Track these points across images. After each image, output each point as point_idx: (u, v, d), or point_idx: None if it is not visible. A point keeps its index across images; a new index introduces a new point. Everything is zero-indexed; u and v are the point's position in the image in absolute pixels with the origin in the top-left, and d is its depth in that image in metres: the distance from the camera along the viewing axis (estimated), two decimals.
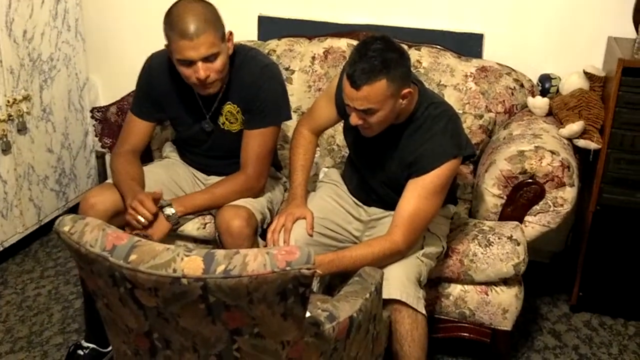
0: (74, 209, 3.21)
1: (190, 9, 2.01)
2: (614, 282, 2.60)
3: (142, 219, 2.05)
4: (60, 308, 2.66)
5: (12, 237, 2.90)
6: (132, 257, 1.39)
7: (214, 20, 2.03)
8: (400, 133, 1.99)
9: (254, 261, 1.35)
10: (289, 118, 2.28)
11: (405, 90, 1.87)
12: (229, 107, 2.22)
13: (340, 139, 2.77)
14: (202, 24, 1.98)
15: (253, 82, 2.17)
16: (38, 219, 3.02)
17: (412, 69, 2.02)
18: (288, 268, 1.34)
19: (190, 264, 1.36)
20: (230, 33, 2.11)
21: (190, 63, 2.02)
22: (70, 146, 3.17)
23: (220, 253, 1.38)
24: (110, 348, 2.31)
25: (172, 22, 2.01)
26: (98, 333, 2.30)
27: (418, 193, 1.93)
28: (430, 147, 1.93)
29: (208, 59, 2.02)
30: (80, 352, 2.27)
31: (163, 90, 2.25)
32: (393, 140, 2.01)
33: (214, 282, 1.35)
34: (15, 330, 2.53)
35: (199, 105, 2.23)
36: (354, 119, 1.91)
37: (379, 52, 1.81)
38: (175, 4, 2.06)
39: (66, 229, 1.47)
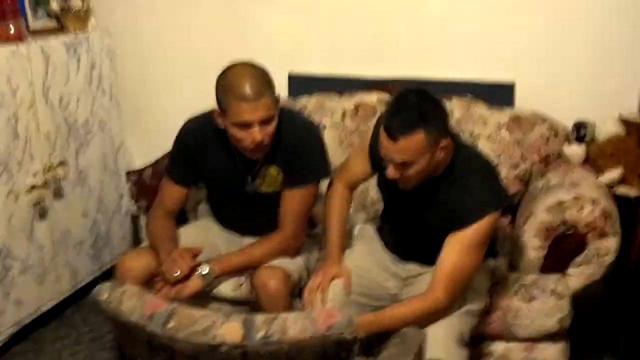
0: (109, 273, 3.20)
1: (248, 72, 2.05)
2: None
3: (178, 272, 2.03)
4: None
5: (48, 303, 2.90)
6: (171, 324, 1.38)
7: (269, 83, 2.07)
8: (438, 186, 1.97)
9: (294, 326, 1.33)
10: (328, 176, 2.28)
11: (443, 143, 1.86)
12: (268, 169, 2.23)
13: (374, 193, 2.74)
14: (261, 87, 2.02)
15: (294, 142, 2.18)
16: (73, 284, 3.02)
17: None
18: (329, 333, 1.31)
19: (229, 330, 1.34)
20: (279, 96, 2.13)
21: (246, 126, 2.03)
22: (106, 210, 3.19)
23: (259, 318, 1.36)
24: None
25: (229, 84, 2.03)
26: None
27: (459, 248, 1.89)
28: (470, 200, 1.90)
29: (265, 121, 2.04)
30: None
31: (200, 155, 2.26)
32: (430, 193, 1.98)
33: (254, 349, 1.33)
34: None
35: (241, 169, 2.23)
36: (391, 172, 1.89)
37: (416, 104, 1.82)
38: (230, 68, 2.08)
39: (104, 297, 1.47)
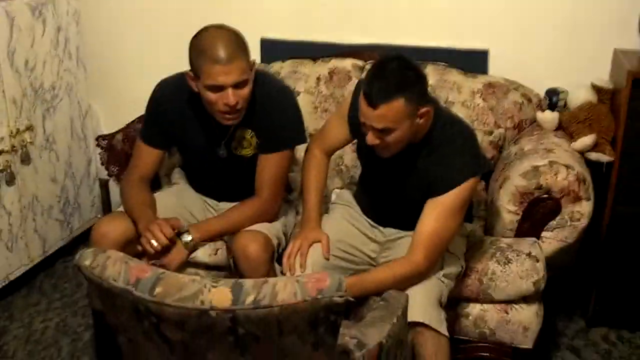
0: (78, 239, 3.16)
1: (221, 35, 2.00)
2: (631, 295, 2.58)
3: (156, 244, 2.02)
4: (69, 341, 2.60)
5: (18, 270, 2.84)
6: (158, 290, 1.35)
7: (243, 46, 2.03)
8: (417, 153, 1.97)
9: (284, 290, 1.32)
10: (304, 141, 2.26)
11: (423, 109, 1.86)
12: (243, 133, 2.20)
13: (349, 159, 2.75)
14: (235, 50, 1.98)
15: (268, 106, 2.15)
16: (43, 251, 2.97)
17: None
18: (319, 296, 1.31)
19: (218, 295, 1.33)
20: (254, 61, 2.09)
21: (220, 89, 2.00)
22: (74, 175, 3.13)
23: (248, 283, 1.35)
24: None
25: (202, 47, 1.99)
26: None
27: (438, 213, 1.91)
28: (449, 166, 1.91)
29: (238, 85, 2.00)
30: None
31: (174, 118, 2.23)
32: (409, 160, 1.98)
33: (244, 314, 1.32)
34: None
35: (214, 132, 2.20)
36: (371, 139, 1.89)
37: (397, 71, 1.80)
38: (203, 30, 2.04)
39: (87, 262, 1.44)
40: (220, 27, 2.05)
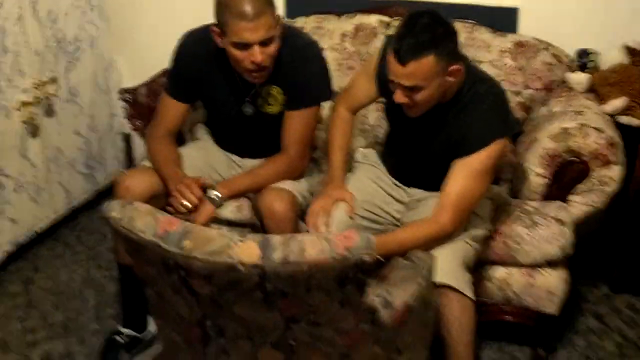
0: (102, 193, 3.18)
1: None
2: None
3: (188, 204, 2.02)
4: (94, 293, 2.64)
5: (43, 222, 2.87)
6: (186, 243, 1.35)
7: (270, 3, 1.98)
8: (446, 112, 1.93)
9: (312, 247, 1.31)
10: (331, 98, 2.23)
11: (453, 67, 1.81)
12: (270, 89, 2.17)
13: (373, 118, 2.72)
14: (262, 6, 1.93)
15: (295, 61, 2.12)
16: (68, 203, 2.99)
17: None
18: (348, 254, 1.31)
19: (246, 250, 1.32)
20: (280, 17, 2.05)
21: (246, 46, 1.96)
22: (97, 128, 3.13)
23: (276, 239, 1.34)
24: (147, 332, 2.29)
25: (228, 2, 1.95)
26: (135, 318, 2.28)
27: (466, 174, 1.88)
28: (478, 126, 1.87)
29: (264, 42, 1.97)
30: (119, 338, 2.25)
31: (200, 72, 2.20)
32: (438, 119, 1.95)
33: (272, 269, 1.31)
34: (50, 317, 2.51)
35: (239, 88, 2.18)
36: (399, 97, 1.85)
37: (427, 27, 1.76)
38: None
39: (115, 214, 1.44)
40: None
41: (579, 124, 2.19)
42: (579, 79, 2.53)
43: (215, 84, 2.21)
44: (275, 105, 2.20)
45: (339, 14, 2.86)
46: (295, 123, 2.16)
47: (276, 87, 2.17)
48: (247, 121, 2.25)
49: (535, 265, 2.14)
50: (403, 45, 1.77)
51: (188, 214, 2.04)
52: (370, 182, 2.20)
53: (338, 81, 2.73)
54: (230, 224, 2.37)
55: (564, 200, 2.20)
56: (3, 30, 2.54)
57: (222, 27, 1.99)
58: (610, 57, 2.54)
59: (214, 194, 2.10)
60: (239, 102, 2.21)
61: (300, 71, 2.13)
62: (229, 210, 2.30)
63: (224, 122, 2.34)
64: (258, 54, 1.97)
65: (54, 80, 2.80)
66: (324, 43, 2.78)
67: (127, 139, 3.26)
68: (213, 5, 2.02)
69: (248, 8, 1.92)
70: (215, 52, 2.11)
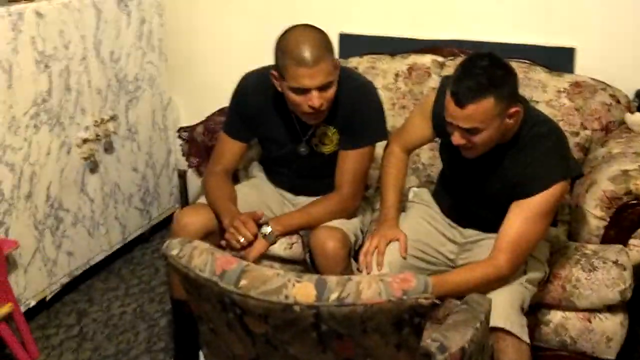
0: (156, 227, 3.24)
1: (308, 36, 1.98)
2: None
3: (243, 240, 2.04)
4: (146, 326, 2.67)
5: (98, 255, 2.94)
6: (243, 282, 1.36)
7: (329, 48, 2.01)
8: (504, 153, 1.92)
9: (368, 289, 1.30)
10: (386, 138, 2.24)
11: (513, 109, 1.80)
12: (325, 130, 2.20)
13: (425, 157, 2.71)
14: (321, 52, 1.96)
15: (351, 102, 2.14)
16: (123, 237, 3.05)
17: None
18: (405, 297, 1.29)
19: (302, 290, 1.32)
20: (339, 61, 2.08)
21: (304, 91, 1.99)
22: (154, 165, 3.21)
23: (332, 279, 1.34)
24: None
25: (288, 47, 1.98)
26: (186, 353, 2.29)
27: (524, 216, 1.85)
28: (537, 168, 1.85)
29: (323, 87, 1.99)
30: None
31: (258, 111, 2.24)
32: (495, 160, 1.93)
33: (327, 310, 1.31)
34: (102, 349, 2.55)
35: (295, 129, 2.21)
36: (457, 139, 1.84)
37: (486, 69, 1.75)
38: (290, 30, 2.03)
39: (174, 252, 1.46)
40: (307, 27, 2.03)
41: (639, 165, 2.14)
42: (638, 120, 2.48)
43: (272, 124, 2.24)
44: (330, 145, 2.22)
45: (393, 54, 2.89)
46: (350, 163, 2.17)
47: (332, 127, 2.20)
48: (302, 161, 2.28)
49: (593, 310, 2.08)
50: (462, 88, 1.77)
51: (241, 250, 2.06)
52: (423, 222, 2.19)
53: (391, 120, 2.74)
54: (282, 260, 2.39)
55: (624, 243, 2.15)
56: (67, 70, 2.64)
57: (282, 72, 2.02)
58: None
59: (267, 229, 2.12)
60: (295, 142, 2.24)
61: (356, 111, 2.14)
62: (281, 247, 2.31)
63: (279, 161, 2.37)
64: (316, 99, 1.99)
65: (114, 118, 2.89)
66: (377, 82, 2.79)
67: (182, 176, 3.32)
68: (272, 48, 2.05)
69: (307, 54, 1.94)
70: (274, 94, 2.15)
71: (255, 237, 2.09)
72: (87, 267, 2.89)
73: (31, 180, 2.54)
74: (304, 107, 2.01)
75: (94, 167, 2.83)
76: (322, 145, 2.22)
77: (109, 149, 2.90)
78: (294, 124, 2.19)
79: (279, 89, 2.07)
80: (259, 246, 2.10)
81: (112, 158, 2.94)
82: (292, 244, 2.33)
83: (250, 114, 2.25)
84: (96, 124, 2.80)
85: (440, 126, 1.99)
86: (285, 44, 2.00)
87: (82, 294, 2.89)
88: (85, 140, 2.75)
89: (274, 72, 2.06)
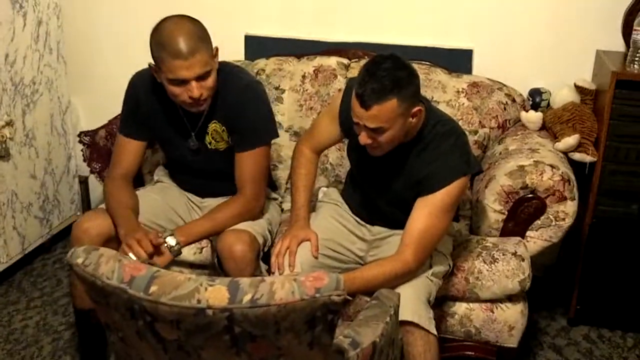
0: (57, 237, 3.11)
1: (180, 28, 1.96)
2: (611, 294, 2.62)
3: (135, 258, 1.94)
4: (50, 340, 2.56)
5: None
6: (153, 288, 1.33)
7: (205, 37, 2.00)
8: (408, 151, 1.98)
9: (282, 289, 1.31)
10: (277, 136, 2.26)
11: (415, 109, 1.86)
12: (214, 126, 2.19)
13: (333, 157, 2.75)
14: (195, 43, 1.94)
15: (237, 101, 2.13)
16: (22, 248, 2.92)
17: None
18: (317, 295, 1.31)
19: (215, 293, 1.31)
20: (217, 49, 2.07)
21: (183, 82, 1.97)
22: (54, 171, 3.08)
23: (245, 281, 1.33)
24: None
25: (162, 41, 1.95)
26: None
27: (428, 211, 1.92)
28: (440, 165, 1.92)
29: (201, 77, 1.98)
30: None
31: (148, 110, 2.21)
32: (400, 158, 1.99)
33: (241, 312, 1.30)
34: None
35: (184, 124, 2.19)
36: (363, 138, 1.88)
37: (389, 71, 1.80)
38: (162, 22, 2.00)
39: (80, 260, 1.41)
40: (180, 18, 2.01)
41: (534, 161, 2.26)
42: (533, 117, 2.61)
43: (161, 120, 2.22)
44: (220, 141, 2.22)
45: (299, 56, 2.91)
46: (247, 164, 2.16)
47: (220, 125, 2.19)
48: (196, 157, 2.26)
49: (495, 300, 2.18)
50: (366, 90, 1.80)
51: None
52: (333, 221, 2.22)
53: (299, 121, 2.77)
54: (191, 265, 2.36)
55: (522, 235, 2.26)
56: None
57: (158, 65, 2.00)
58: (561, 95, 2.63)
59: (172, 241, 2.07)
60: (184, 137, 2.22)
61: (243, 113, 2.13)
62: (191, 252, 2.28)
63: (176, 160, 2.34)
64: (195, 89, 1.98)
65: (10, 124, 2.76)
66: (284, 84, 2.82)
67: (84, 182, 3.21)
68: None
69: (182, 46, 1.93)
70: (161, 89, 2.11)
71: (159, 249, 2.04)
72: None
73: None
74: (184, 97, 2.01)
75: None
76: (214, 142, 2.22)
77: (5, 155, 2.76)
78: (182, 118, 2.18)
79: (159, 80, 2.05)
80: (162, 259, 2.05)
81: (9, 165, 2.80)
82: (202, 248, 2.30)
83: (141, 112, 2.22)
84: None
85: (347, 127, 2.03)
86: (159, 36, 1.97)
87: None
88: None
89: (153, 66, 2.04)
